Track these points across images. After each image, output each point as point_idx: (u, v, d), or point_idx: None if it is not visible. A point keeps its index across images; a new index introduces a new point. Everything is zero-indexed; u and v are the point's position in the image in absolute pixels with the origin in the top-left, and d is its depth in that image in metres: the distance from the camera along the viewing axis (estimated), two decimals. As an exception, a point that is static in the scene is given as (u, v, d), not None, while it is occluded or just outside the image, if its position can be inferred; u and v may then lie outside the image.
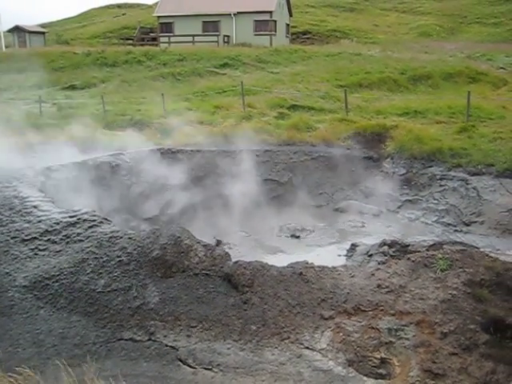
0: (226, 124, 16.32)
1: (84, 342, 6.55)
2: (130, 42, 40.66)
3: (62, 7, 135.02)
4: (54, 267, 7.42)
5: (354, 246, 9.43)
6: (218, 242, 10.81)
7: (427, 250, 7.85)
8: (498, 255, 7.64)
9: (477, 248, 8.10)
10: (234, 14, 38.73)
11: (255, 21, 38.89)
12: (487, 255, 7.32)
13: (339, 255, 10.17)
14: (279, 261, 7.98)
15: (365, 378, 6.07)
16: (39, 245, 7.91)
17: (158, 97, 19.54)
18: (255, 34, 38.63)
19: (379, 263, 7.89)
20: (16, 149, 12.29)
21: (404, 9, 55.56)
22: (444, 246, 7.78)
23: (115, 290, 7.05)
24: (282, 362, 6.17)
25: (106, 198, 11.21)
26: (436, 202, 12.35)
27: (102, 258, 7.47)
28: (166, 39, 38.74)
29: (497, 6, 50.21)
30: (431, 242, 8.35)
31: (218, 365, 6.17)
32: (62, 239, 7.97)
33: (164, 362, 6.30)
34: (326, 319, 6.56)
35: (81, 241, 7.88)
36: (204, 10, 39.16)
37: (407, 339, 6.28)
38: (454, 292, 6.63)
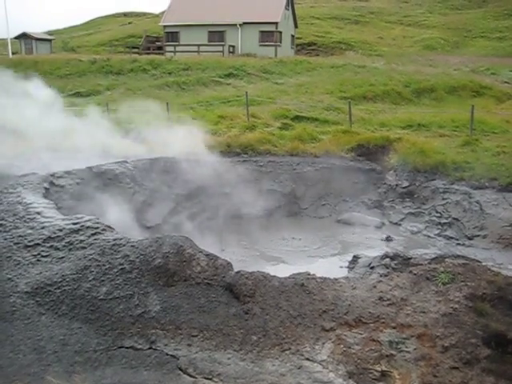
0: (230, 134, 16.38)
1: (85, 349, 6.55)
2: (136, 50, 40.93)
3: (68, 15, 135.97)
4: (57, 274, 7.44)
5: (355, 258, 9.39)
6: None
7: (429, 263, 7.82)
8: (500, 269, 7.63)
9: (479, 262, 8.07)
10: (240, 25, 38.98)
11: (261, 31, 39.13)
12: (489, 269, 7.31)
13: (341, 267, 10.17)
14: (281, 271, 7.97)
15: (365, 391, 6.06)
16: (42, 251, 7.92)
17: (162, 106, 19.63)
18: (260, 45, 38.85)
19: (381, 275, 7.86)
20: (20, 154, 12.36)
21: (409, 22, 55.82)
22: (446, 260, 7.76)
23: (117, 298, 7.05)
24: (283, 373, 6.15)
25: (110, 206, 11.23)
26: (439, 215, 12.36)
27: (104, 265, 7.47)
28: (171, 48, 39.02)
29: (501, 20, 50.45)
30: (433, 255, 8.30)
31: (219, 374, 6.16)
32: (64, 246, 7.99)
33: (164, 371, 6.29)
34: (327, 331, 6.56)
35: (83, 248, 7.89)
36: (210, 19, 39.42)
37: (408, 352, 6.27)
38: (456, 306, 6.62)
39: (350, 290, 7.11)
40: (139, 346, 6.58)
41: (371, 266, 8.54)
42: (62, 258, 7.77)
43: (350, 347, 6.37)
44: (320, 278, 7.30)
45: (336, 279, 7.37)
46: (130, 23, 60.71)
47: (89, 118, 14.78)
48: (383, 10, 59.37)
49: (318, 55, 41.62)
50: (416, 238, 12.19)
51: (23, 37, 43.06)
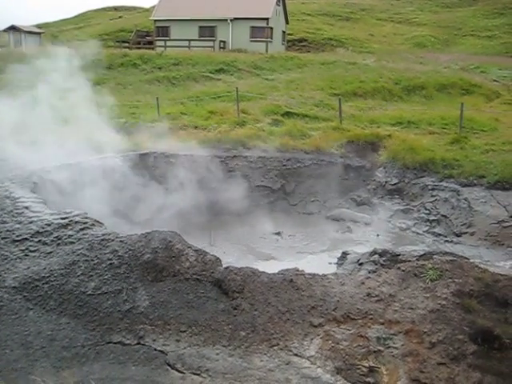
0: (220, 129, 16.35)
1: (73, 344, 6.53)
2: (126, 44, 40.65)
3: (58, 8, 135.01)
4: (45, 269, 7.40)
5: (344, 254, 9.44)
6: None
7: (417, 259, 7.87)
8: (487, 266, 7.67)
9: (467, 259, 8.14)
10: (231, 20, 38.86)
11: (251, 27, 39.04)
12: (477, 266, 7.36)
13: (330, 263, 10.20)
14: (270, 267, 7.98)
15: (353, 386, 6.09)
16: (30, 246, 7.88)
17: (152, 100, 19.55)
18: (251, 41, 38.76)
19: (369, 272, 7.90)
20: (6, 149, 12.24)
21: (400, 19, 55.96)
22: (434, 256, 7.81)
23: (105, 293, 7.03)
24: (271, 369, 6.17)
25: (97, 201, 11.17)
26: (427, 212, 12.42)
27: (92, 260, 7.45)
28: (162, 43, 38.83)
29: (491, 19, 50.71)
30: (422, 252, 8.35)
31: (207, 370, 6.16)
32: (53, 241, 7.94)
33: (152, 367, 6.28)
34: (316, 327, 6.58)
35: (72, 243, 7.86)
36: (200, 15, 39.27)
37: (396, 348, 6.31)
38: (443, 302, 6.67)
39: (339, 286, 7.13)
40: (127, 342, 6.57)
41: (360, 262, 8.59)
42: (50, 252, 7.73)
43: (338, 343, 6.40)
44: (309, 274, 7.33)
45: (325, 275, 7.39)
46: (120, 17, 60.27)
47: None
48: (374, 7, 59.46)
49: (308, 51, 41.59)
50: (405, 235, 12.25)
51: (12, 30, 42.59)
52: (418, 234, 12.12)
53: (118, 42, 42.16)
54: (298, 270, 7.38)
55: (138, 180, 12.48)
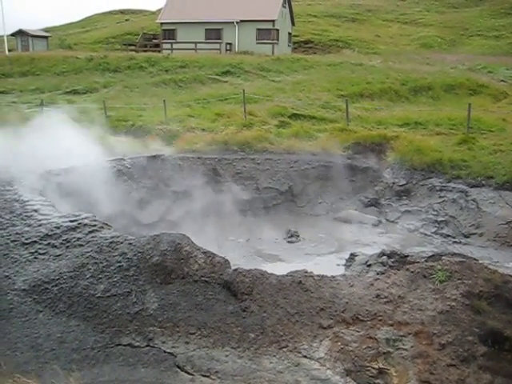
0: (227, 131, 16.36)
1: (82, 346, 6.55)
2: (133, 47, 40.80)
3: (65, 12, 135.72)
4: (54, 271, 7.43)
5: (353, 256, 9.41)
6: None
7: (426, 260, 7.84)
8: (496, 267, 7.65)
9: (476, 260, 8.10)
10: (237, 22, 38.89)
11: (258, 29, 39.05)
12: (486, 267, 7.33)
13: (338, 264, 10.17)
14: (278, 269, 7.98)
15: (362, 388, 6.08)
16: (39, 249, 7.91)
17: (159, 103, 19.59)
18: (257, 43, 38.77)
19: (378, 273, 7.87)
20: (15, 152, 12.30)
21: (406, 20, 55.77)
22: (443, 258, 7.78)
23: (114, 296, 7.05)
24: (280, 371, 6.17)
25: (107, 203, 11.22)
26: (435, 213, 12.37)
27: (101, 263, 7.47)
28: (168, 46, 38.94)
29: (498, 19, 50.45)
30: (430, 253, 8.32)
31: (216, 372, 6.17)
32: (62, 243, 7.98)
33: (162, 369, 6.30)
34: (325, 328, 6.57)
35: (81, 245, 7.89)
36: (207, 17, 39.32)
37: (405, 350, 6.29)
38: (453, 303, 6.64)
39: (348, 287, 7.12)
40: (137, 344, 6.58)
41: (368, 263, 8.56)
42: (60, 255, 7.77)
43: (347, 345, 6.39)
44: (317, 275, 7.32)
45: (333, 277, 7.39)
46: (126, 20, 60.45)
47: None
48: (380, 8, 59.30)
49: (315, 53, 41.52)
50: (413, 236, 12.21)
51: (19, 34, 42.90)
52: (426, 235, 12.08)
53: (124, 45, 42.36)
54: (306, 272, 7.38)
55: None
